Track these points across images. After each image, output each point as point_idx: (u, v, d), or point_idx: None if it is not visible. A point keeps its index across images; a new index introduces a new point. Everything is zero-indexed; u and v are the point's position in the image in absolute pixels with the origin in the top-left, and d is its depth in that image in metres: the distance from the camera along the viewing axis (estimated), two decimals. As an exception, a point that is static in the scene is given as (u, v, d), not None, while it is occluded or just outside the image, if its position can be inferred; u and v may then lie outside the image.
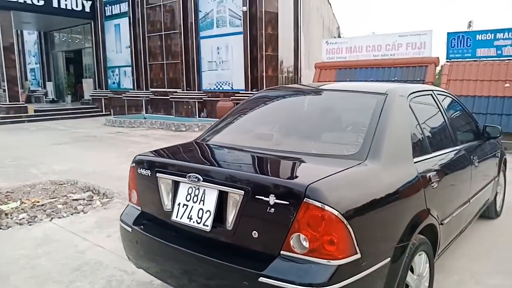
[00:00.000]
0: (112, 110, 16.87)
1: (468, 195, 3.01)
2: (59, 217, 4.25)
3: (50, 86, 21.67)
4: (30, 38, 22.38)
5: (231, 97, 12.71)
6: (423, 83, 9.04)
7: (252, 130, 2.75)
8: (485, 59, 9.24)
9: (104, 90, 18.13)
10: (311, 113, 2.73)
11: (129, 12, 16.18)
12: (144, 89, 16.25)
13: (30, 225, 4.05)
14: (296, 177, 2.00)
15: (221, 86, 13.87)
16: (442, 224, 2.45)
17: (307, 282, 1.64)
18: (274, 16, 13.04)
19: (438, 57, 10.08)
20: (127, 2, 16.22)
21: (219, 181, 1.94)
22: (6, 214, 4.29)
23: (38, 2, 15.83)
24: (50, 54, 21.69)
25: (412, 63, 10.01)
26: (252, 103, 3.11)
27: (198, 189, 2.02)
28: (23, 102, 15.94)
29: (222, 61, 13.72)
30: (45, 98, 21.39)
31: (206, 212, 1.96)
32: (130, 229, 2.35)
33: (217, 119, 3.02)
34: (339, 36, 19.65)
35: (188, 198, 2.06)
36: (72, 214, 4.36)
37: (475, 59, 9.35)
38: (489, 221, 4.02)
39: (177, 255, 2.06)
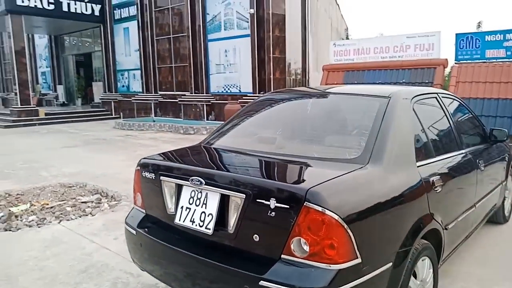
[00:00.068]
0: (121, 113, 17.06)
1: (473, 199, 2.98)
2: (68, 220, 4.31)
3: (60, 89, 21.98)
4: (41, 42, 22.72)
5: (239, 100, 12.72)
6: (431, 85, 8.96)
7: (256, 134, 2.77)
8: (494, 60, 9.10)
9: (113, 93, 18.31)
10: (313, 116, 2.74)
11: (137, 15, 16.30)
12: (153, 92, 16.35)
13: (39, 227, 4.12)
14: (297, 181, 2.00)
15: (229, 89, 13.91)
16: (446, 229, 2.43)
17: (307, 286, 1.65)
18: (281, 18, 13.02)
19: (446, 59, 9.95)
20: (135, 6, 16.34)
21: (220, 185, 1.96)
22: (16, 216, 4.37)
23: (49, 6, 16.07)
24: (61, 57, 21.99)
25: (420, 65, 9.91)
26: (256, 106, 3.13)
27: (201, 192, 2.05)
28: (34, 105, 16.17)
29: (230, 64, 13.76)
30: (56, 101, 21.65)
31: (208, 216, 1.99)
32: (134, 232, 2.38)
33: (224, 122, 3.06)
34: (347, 38, 19.56)
35: (191, 202, 2.08)
36: (80, 217, 4.42)
37: (484, 60, 9.21)
38: (497, 226, 3.97)
39: (180, 258, 2.08)
